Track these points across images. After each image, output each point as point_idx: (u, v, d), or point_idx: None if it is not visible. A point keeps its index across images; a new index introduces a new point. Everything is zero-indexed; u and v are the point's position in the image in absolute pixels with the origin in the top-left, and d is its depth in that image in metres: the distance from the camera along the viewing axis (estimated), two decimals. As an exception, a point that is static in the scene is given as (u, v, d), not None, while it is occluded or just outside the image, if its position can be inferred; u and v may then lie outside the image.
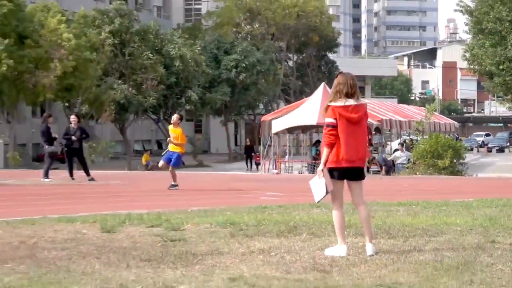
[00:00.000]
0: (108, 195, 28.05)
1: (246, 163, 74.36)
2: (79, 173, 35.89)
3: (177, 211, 18.92)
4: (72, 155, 36.52)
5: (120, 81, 61.93)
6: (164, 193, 29.68)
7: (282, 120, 49.50)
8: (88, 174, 35.67)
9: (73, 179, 35.94)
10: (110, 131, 70.90)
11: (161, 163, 33.36)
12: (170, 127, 34.06)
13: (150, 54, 64.49)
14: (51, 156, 37.31)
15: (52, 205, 22.80)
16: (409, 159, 44.39)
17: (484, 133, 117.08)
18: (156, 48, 67.23)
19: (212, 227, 15.38)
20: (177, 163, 32.25)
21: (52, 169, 37.26)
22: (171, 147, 32.17)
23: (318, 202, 12.70)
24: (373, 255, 11.73)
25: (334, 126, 11.78)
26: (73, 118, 37.03)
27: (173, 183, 31.11)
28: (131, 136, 73.93)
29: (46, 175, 35.04)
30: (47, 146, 36.93)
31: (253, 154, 73.42)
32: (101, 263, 11.45)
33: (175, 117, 33.95)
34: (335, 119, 11.87)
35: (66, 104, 58.85)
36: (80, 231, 15.07)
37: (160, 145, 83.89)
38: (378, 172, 43.87)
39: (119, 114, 65.49)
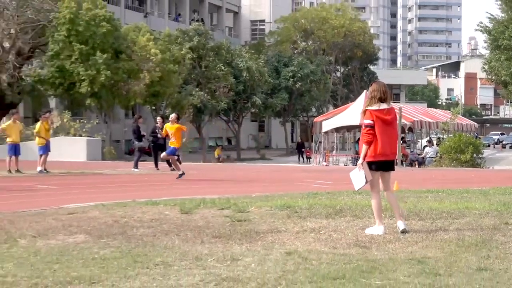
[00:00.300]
0: (186, 183, 28.04)
1: (298, 157, 74.48)
2: (162, 165, 36.34)
3: (243, 196, 18.88)
4: (157, 150, 36.92)
5: (197, 89, 62.31)
6: (232, 180, 29.60)
7: (330, 121, 49.41)
8: (170, 165, 35.58)
9: (157, 169, 36.51)
10: (189, 130, 71.04)
11: (163, 155, 32.44)
12: (167, 124, 33.02)
13: (222, 67, 64.91)
14: (140, 150, 38.55)
15: (140, 191, 23.04)
16: (437, 153, 43.99)
17: (499, 132, 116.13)
18: (227, 61, 67.56)
19: (272, 209, 15.39)
20: (171, 152, 31.13)
21: (141, 161, 37.83)
22: (170, 143, 31.60)
23: (358, 190, 12.81)
24: (405, 229, 11.94)
25: (372, 127, 11.94)
26: (159, 119, 37.79)
27: (179, 172, 30.38)
28: (206, 134, 74.17)
29: (135, 166, 35.42)
30: (137, 142, 38.10)
31: (303, 149, 73.77)
32: (180, 239, 11.50)
33: (173, 116, 32.97)
34: (372, 120, 12.01)
35: (153, 107, 59.22)
36: (163, 212, 15.29)
37: (230, 141, 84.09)
38: (410, 165, 43.45)
39: (196, 116, 66.10)
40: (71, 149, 39.44)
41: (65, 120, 43.57)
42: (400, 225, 12.00)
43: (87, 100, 49.27)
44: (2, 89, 49.88)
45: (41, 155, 31.82)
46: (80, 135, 44.04)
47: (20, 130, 32.85)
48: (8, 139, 32.23)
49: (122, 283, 8.30)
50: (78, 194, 21.23)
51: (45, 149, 32.19)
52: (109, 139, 51.50)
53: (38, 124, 33.18)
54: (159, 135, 35.33)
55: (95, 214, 14.88)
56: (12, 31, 49.65)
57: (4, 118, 46.60)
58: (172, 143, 31.03)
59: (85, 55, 47.94)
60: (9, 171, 31.55)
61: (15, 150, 31.89)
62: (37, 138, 32.47)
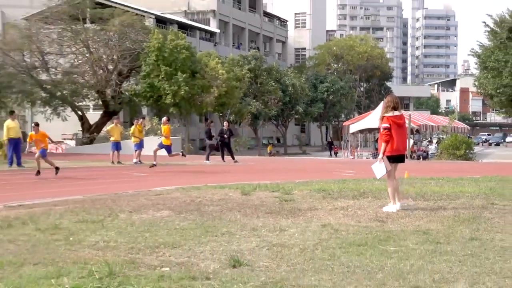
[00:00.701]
0: (246, 171, 28.05)
1: (330, 153, 74.48)
2: (227, 158, 36.12)
3: (288, 182, 18.87)
4: (224, 146, 36.92)
5: (254, 100, 62.53)
6: (280, 170, 29.08)
7: (356, 125, 49.33)
8: (233, 158, 35.88)
9: (224, 161, 35.98)
10: (247, 131, 71.36)
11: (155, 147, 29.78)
12: (162, 125, 31.25)
13: (273, 83, 65.18)
14: (210, 147, 38.18)
15: (211, 177, 23.05)
16: (437, 149, 43.77)
17: (486, 133, 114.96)
18: (277, 79, 67.73)
19: (311, 192, 15.42)
20: (169, 150, 29.80)
21: (211, 155, 37.44)
22: (163, 141, 29.71)
23: (379, 179, 12.71)
24: (404, 209, 12.06)
25: (389, 129, 12.01)
26: (225, 123, 37.60)
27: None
28: (260, 134, 74.27)
29: (207, 158, 35.42)
30: (208, 141, 37.97)
31: (332, 146, 73.85)
32: (240, 214, 11.57)
33: (164, 118, 31.81)
34: (389, 124, 12.08)
35: (220, 114, 59.38)
36: (228, 194, 15.29)
37: (279, 140, 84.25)
38: (418, 158, 43.19)
39: (253, 121, 66.48)
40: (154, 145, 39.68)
41: (154, 124, 43.79)
42: (390, 207, 12.05)
43: (170, 109, 49.62)
44: (107, 100, 50.40)
45: (136, 150, 32.12)
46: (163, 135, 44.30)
47: (121, 132, 33.25)
48: (111, 138, 32.67)
49: (196, 248, 8.37)
50: (164, 179, 21.44)
51: (139, 146, 32.49)
52: (187, 138, 51.76)
53: (133, 127, 33.46)
54: (225, 135, 35.66)
55: (177, 195, 15.02)
56: (115, 57, 50.20)
57: (109, 122, 47.15)
58: (165, 141, 29.60)
59: (169, 75, 48.42)
60: (112, 162, 31.95)
61: (116, 146, 32.38)
62: (132, 138, 32.83)
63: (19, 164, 27.59)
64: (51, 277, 6.65)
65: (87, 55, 50.24)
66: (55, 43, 50.66)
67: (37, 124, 23.48)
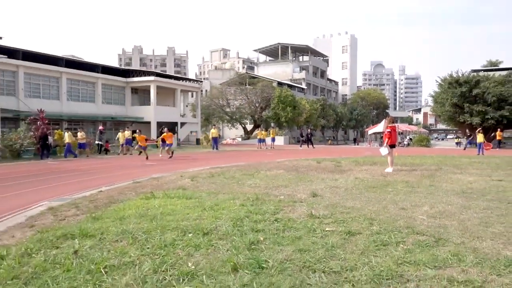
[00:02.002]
0: (318, 152, 26.26)
1: (354, 143, 72.26)
2: (307, 147, 34.16)
3: (338, 157, 18.33)
4: (309, 141, 33.61)
5: (322, 119, 61.12)
6: (333, 151, 27.35)
7: (372, 130, 47.72)
8: (313, 146, 33.08)
9: (313, 147, 32.59)
10: (319, 133, 69.01)
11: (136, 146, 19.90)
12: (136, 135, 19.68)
13: (331, 111, 63.76)
14: (302, 141, 35.79)
15: (303, 155, 22.24)
16: (410, 141, 41.44)
17: (437, 134, 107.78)
18: (333, 109, 65.71)
19: (350, 162, 14.83)
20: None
21: (303, 145, 35.67)
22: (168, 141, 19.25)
23: (383, 155, 12.13)
24: (389, 172, 11.09)
25: (390, 132, 11.62)
26: (309, 129, 36.55)
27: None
28: (325, 135, 72.51)
29: (300, 146, 34.32)
30: (301, 138, 35.90)
31: (356, 139, 70.67)
32: (316, 172, 11.34)
33: (137, 131, 19.71)
34: (390, 130, 11.74)
35: (306, 125, 58.10)
36: (309, 162, 14.78)
37: (334, 137, 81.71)
38: (402, 146, 41.05)
39: (322, 128, 64.98)
40: (278, 140, 39.49)
41: (276, 130, 43.67)
42: (389, 169, 11.31)
43: (283, 123, 49.40)
44: (255, 120, 50.76)
45: (270, 143, 31.87)
46: (280, 135, 44.19)
47: (263, 133, 32.42)
48: (257, 136, 32.47)
49: (295, 187, 8.27)
50: (283, 155, 21.01)
51: (273, 140, 32.08)
52: (290, 136, 51.23)
53: (269, 131, 33.32)
54: (309, 135, 34.30)
55: (286, 163, 14.89)
56: (259, 100, 50.42)
57: (255, 130, 47.52)
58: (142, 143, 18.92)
59: (283, 108, 48.44)
60: (259, 148, 30.14)
61: (260, 141, 30.82)
62: (267, 137, 32.21)
63: (216, 148, 27.50)
64: (230, 199, 6.80)
65: (246, 100, 50.95)
66: (232, 95, 51.76)
67: (140, 131, 19.79)
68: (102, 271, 3.49)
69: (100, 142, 23.30)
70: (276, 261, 3.70)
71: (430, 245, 4.24)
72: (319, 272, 3.51)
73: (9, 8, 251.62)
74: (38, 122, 20.55)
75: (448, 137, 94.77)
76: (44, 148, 19.22)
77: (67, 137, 19.84)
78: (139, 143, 19.33)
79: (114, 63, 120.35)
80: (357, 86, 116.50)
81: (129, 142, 22.83)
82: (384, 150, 11.87)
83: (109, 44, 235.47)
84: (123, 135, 23.03)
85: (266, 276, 3.41)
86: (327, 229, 4.84)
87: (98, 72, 33.25)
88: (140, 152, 20.01)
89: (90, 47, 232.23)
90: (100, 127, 25.26)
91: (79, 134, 20.89)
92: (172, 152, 20.09)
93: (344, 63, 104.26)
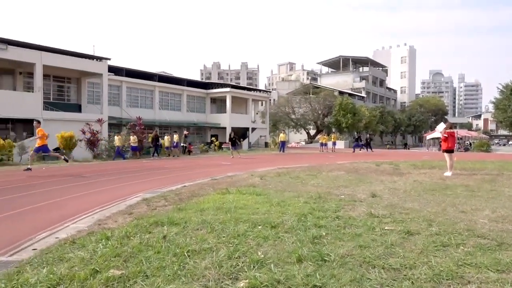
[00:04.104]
0: (377, 156, 24.98)
1: (405, 148, 67.76)
2: (359, 151, 32.74)
3: (395, 161, 17.36)
4: (368, 145, 31.90)
5: (380, 124, 58.32)
6: (391, 155, 25.69)
7: (429, 135, 44.57)
8: (372, 150, 31.95)
9: (372, 151, 30.92)
10: (378, 139, 65.83)
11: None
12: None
13: (389, 117, 60.57)
14: (361, 145, 32.67)
15: (364, 158, 21.24)
16: (470, 145, 38.00)
17: (498, 139, 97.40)
18: (391, 116, 62.46)
19: (408, 165, 13.97)
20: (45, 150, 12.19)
21: (361, 149, 33.34)
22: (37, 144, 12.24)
23: (439, 131, 11.59)
24: (448, 176, 10.21)
25: (446, 137, 10.84)
26: (367, 135, 35.00)
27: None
28: (383, 140, 69.12)
29: (360, 150, 32.68)
30: (360, 143, 33.22)
31: (406, 144, 65.55)
32: (374, 174, 10.85)
33: (35, 122, 11.87)
34: (447, 135, 11.10)
35: (365, 131, 55.81)
36: (369, 165, 14.17)
37: (392, 142, 77.57)
38: (461, 151, 37.69)
39: (380, 134, 61.83)
40: (339, 144, 38.51)
41: (337, 135, 42.53)
42: (448, 173, 10.42)
43: (344, 129, 48.02)
44: (318, 126, 49.94)
45: (331, 147, 31.01)
46: (340, 140, 43.01)
47: (325, 138, 31.28)
48: (320, 141, 31.64)
49: (355, 188, 7.96)
50: (344, 158, 20.24)
51: (334, 144, 31.25)
52: (350, 141, 49.81)
53: (331, 136, 32.48)
54: (368, 140, 32.88)
55: (347, 165, 14.42)
56: (321, 107, 49.56)
57: (318, 135, 46.76)
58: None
59: (343, 115, 46.97)
60: (321, 151, 29.30)
61: (322, 144, 30.07)
62: (328, 142, 31.28)
63: (283, 151, 27.14)
64: (295, 197, 6.72)
65: (310, 107, 50.32)
66: (297, 103, 51.47)
67: (186, 136, 19.98)
68: (186, 254, 3.60)
69: (184, 145, 24.34)
70: (337, 255, 3.59)
71: (492, 248, 3.83)
72: (378, 268, 3.34)
73: (114, 35, 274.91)
74: (137, 127, 21.99)
75: (510, 142, 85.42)
76: (156, 148, 19.77)
77: (117, 140, 18.99)
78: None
79: (196, 77, 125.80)
80: (416, 94, 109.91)
81: (177, 144, 22.05)
82: (441, 126, 11.42)
83: (193, 61, 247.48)
84: (168, 139, 21.94)
85: (328, 268, 3.31)
86: (386, 227, 4.59)
87: (183, 85, 35.01)
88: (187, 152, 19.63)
89: (177, 64, 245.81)
90: (185, 132, 26.48)
91: (131, 137, 19.77)
92: (238, 154, 20.26)
93: (403, 73, 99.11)
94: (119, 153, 19.05)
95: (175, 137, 21.90)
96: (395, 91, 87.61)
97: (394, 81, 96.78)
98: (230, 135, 21.29)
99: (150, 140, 20.93)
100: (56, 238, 4.40)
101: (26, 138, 20.19)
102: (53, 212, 6.02)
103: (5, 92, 20.17)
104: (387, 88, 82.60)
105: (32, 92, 21.20)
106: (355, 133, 44.51)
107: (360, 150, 32.03)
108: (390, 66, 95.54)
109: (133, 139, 20.03)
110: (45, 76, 22.48)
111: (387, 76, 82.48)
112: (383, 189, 7.79)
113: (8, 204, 6.69)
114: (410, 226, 4.66)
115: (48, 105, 22.48)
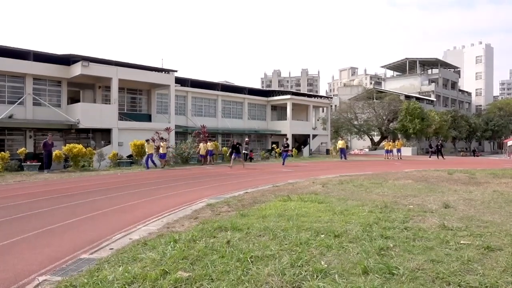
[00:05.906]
0: (448, 163, 22.98)
1: (474, 155, 61.61)
2: (431, 157, 30.21)
3: (469, 169, 15.87)
4: (439, 152, 29.35)
5: (453, 129, 54.14)
6: (466, 163, 23.46)
7: (511, 141, 40.26)
8: (443, 157, 29.24)
9: (441, 159, 28.42)
10: (449, 145, 61.18)
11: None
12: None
13: (463, 122, 55.97)
14: (431, 152, 30.43)
15: (432, 165, 19.78)
16: None
17: None
18: (465, 120, 57.69)
19: (486, 174, 12.70)
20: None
21: (432, 156, 30.92)
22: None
23: None
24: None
25: None
26: (439, 142, 32.27)
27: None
28: (456, 146, 63.91)
29: (430, 156, 30.62)
30: (430, 149, 31.35)
31: (474, 151, 58.88)
32: (448, 183, 10.14)
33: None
34: None
35: (436, 137, 52.17)
36: (440, 173, 13.17)
37: (466, 148, 71.26)
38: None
39: (453, 140, 57.30)
40: (406, 151, 36.27)
41: (404, 141, 40.25)
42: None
43: (411, 135, 45.38)
44: (382, 132, 47.86)
45: (396, 154, 29.38)
46: (408, 146, 40.56)
47: (390, 144, 29.49)
48: (384, 147, 30.12)
49: (425, 198, 7.45)
50: (411, 166, 19.11)
51: (398, 151, 29.03)
52: (418, 147, 46.77)
53: (396, 143, 30.63)
54: (439, 146, 30.32)
55: (414, 173, 13.52)
56: (386, 113, 47.47)
57: (383, 141, 44.74)
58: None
59: (410, 121, 44.43)
60: (386, 158, 28.21)
61: (387, 151, 28.57)
62: (394, 148, 29.58)
63: (345, 158, 26.32)
64: (359, 206, 6.50)
65: (373, 113, 48.46)
66: (360, 109, 49.89)
67: (247, 143, 19.66)
68: (249, 260, 3.64)
69: (246, 152, 24.75)
70: (406, 269, 3.39)
71: None
72: (454, 285, 3.09)
73: (180, 48, 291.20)
74: (201, 135, 22.84)
75: None
76: (237, 154, 18.69)
77: (147, 147, 18.21)
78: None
79: (257, 85, 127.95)
80: (494, 96, 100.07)
81: (211, 152, 21.33)
82: None
83: (254, 70, 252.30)
84: (205, 146, 21.27)
85: (396, 282, 3.14)
86: (461, 241, 4.23)
87: (245, 94, 35.81)
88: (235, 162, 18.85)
89: (239, 73, 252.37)
90: (246, 139, 26.93)
91: (161, 144, 18.82)
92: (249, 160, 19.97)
93: (478, 74, 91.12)
94: (151, 161, 18.01)
95: (209, 144, 21.53)
96: (469, 94, 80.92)
97: (468, 83, 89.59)
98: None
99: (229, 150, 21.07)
100: (130, 239, 4.75)
101: (104, 146, 21.93)
102: (128, 214, 6.52)
103: (87, 104, 22.14)
104: (460, 90, 76.57)
105: (109, 104, 23.01)
106: (432, 140, 41.80)
107: (429, 157, 30.06)
108: (463, 67, 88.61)
109: (203, 147, 20.37)
110: (120, 89, 24.37)
111: (459, 77, 76.51)
112: (457, 199, 7.20)
113: (90, 205, 7.38)
114: (490, 240, 4.25)
115: (123, 116, 24.28)
